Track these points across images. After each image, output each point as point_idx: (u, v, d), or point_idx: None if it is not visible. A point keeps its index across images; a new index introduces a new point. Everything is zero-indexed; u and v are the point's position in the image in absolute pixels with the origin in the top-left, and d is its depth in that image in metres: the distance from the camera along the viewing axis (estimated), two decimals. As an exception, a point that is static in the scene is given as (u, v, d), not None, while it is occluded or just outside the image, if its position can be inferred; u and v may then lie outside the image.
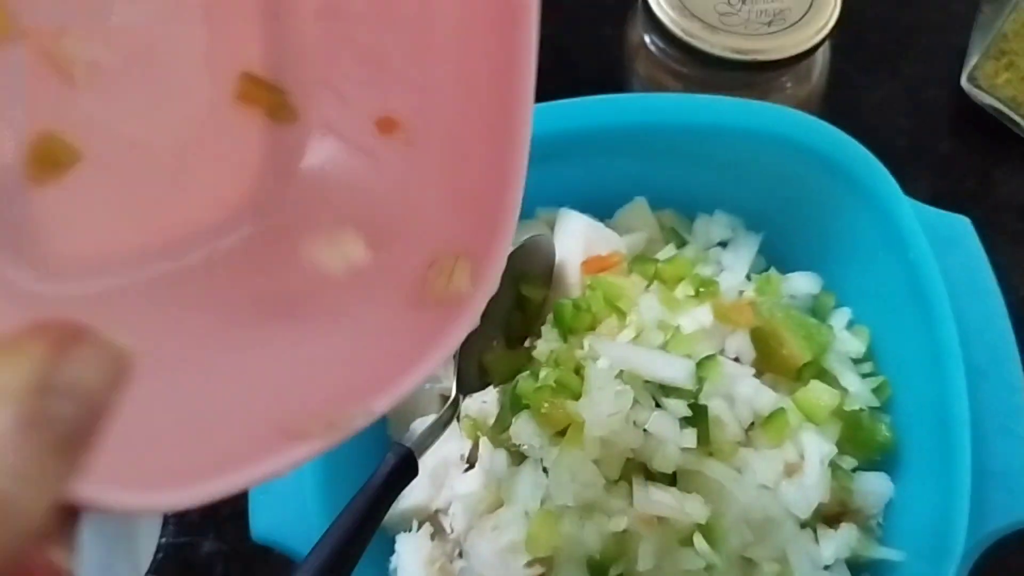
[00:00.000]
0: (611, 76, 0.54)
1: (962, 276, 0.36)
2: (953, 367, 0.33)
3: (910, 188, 0.51)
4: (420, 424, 0.39)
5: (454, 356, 0.37)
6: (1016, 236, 0.49)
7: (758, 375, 0.38)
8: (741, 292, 0.40)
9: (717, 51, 0.44)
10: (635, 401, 0.33)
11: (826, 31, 0.45)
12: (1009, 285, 0.48)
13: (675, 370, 0.34)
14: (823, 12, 0.45)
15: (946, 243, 0.37)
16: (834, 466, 0.36)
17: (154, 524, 0.45)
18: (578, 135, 0.41)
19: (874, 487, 0.36)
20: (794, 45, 0.44)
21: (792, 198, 0.41)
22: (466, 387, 0.38)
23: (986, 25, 0.52)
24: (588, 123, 0.41)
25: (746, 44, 0.44)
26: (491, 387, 0.39)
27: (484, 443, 0.37)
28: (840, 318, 0.40)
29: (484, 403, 0.39)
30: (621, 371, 0.34)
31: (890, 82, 0.54)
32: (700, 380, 0.34)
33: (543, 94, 0.58)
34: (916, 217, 0.37)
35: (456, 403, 0.37)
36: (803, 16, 0.45)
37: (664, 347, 0.35)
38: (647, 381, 0.34)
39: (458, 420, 0.38)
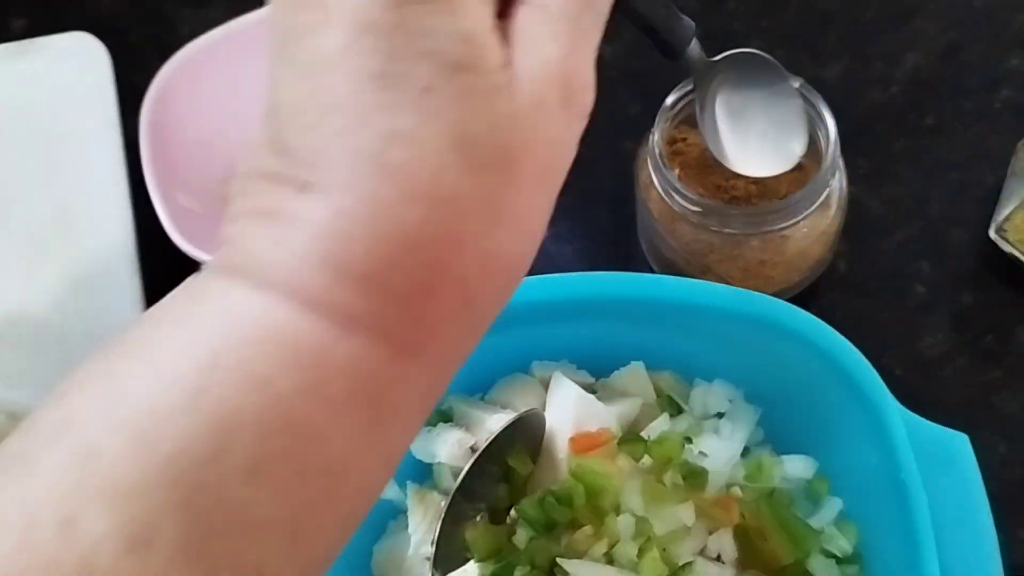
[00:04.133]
0: (629, 195, 0.54)
1: (955, 504, 0.35)
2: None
3: (926, 343, 0.50)
4: (403, 591, 0.40)
5: (432, 541, 0.38)
6: (1033, 400, 0.48)
7: (739, 572, 0.38)
8: (729, 488, 0.39)
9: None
10: (605, 622, 0.34)
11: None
12: None
13: (645, 596, 0.34)
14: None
15: (941, 463, 0.36)
16: None
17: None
18: (578, 304, 0.41)
19: None
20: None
21: (789, 380, 0.40)
22: (446, 563, 0.38)
23: (1021, 172, 0.50)
24: (588, 294, 0.41)
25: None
26: (472, 561, 0.39)
27: (464, 622, 0.38)
28: (831, 508, 0.40)
29: (464, 573, 0.39)
30: (591, 592, 0.34)
31: (915, 221, 0.52)
32: (674, 598, 0.34)
33: (559, 206, 0.57)
34: (912, 431, 0.36)
35: (433, 589, 0.37)
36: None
37: (637, 559, 0.35)
38: (617, 602, 0.34)
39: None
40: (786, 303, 0.39)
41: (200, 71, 0.55)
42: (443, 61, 0.22)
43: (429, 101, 0.22)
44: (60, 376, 0.26)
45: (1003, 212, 0.49)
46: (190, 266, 0.60)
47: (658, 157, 0.46)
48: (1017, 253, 0.49)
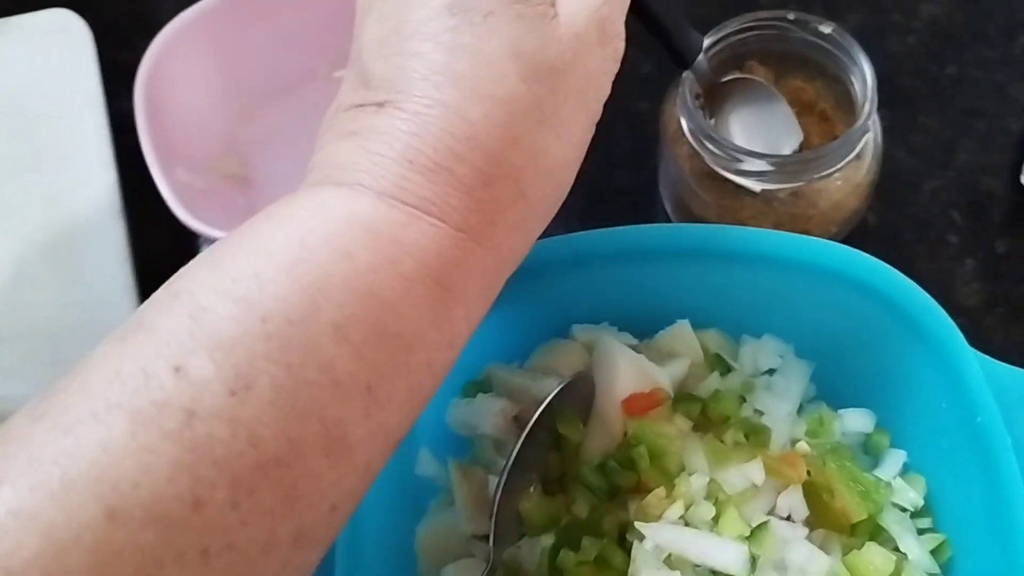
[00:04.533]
0: (647, 156, 0.52)
1: (1033, 445, 0.34)
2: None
3: (963, 293, 0.49)
4: (451, 571, 0.38)
5: (490, 515, 0.36)
6: (1075, 347, 0.47)
7: (810, 529, 0.36)
8: (794, 443, 0.37)
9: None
10: (684, 584, 0.32)
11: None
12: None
13: (728, 557, 0.32)
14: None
15: (1016, 402, 0.34)
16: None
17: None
18: (615, 259, 0.40)
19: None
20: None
21: (845, 331, 0.39)
22: (503, 540, 0.36)
23: (1049, 116, 0.49)
24: (625, 248, 0.39)
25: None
26: (526, 536, 0.37)
27: (520, 600, 0.36)
28: (895, 461, 0.38)
29: (518, 548, 0.37)
30: (669, 554, 0.32)
31: (944, 171, 0.51)
32: (754, 558, 0.32)
33: (579, 175, 0.55)
34: (984, 372, 0.34)
35: (494, 569, 0.35)
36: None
37: (715, 520, 0.33)
38: (697, 565, 0.32)
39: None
40: (836, 244, 0.37)
41: (191, 43, 0.52)
42: None
43: (491, 22, 0.26)
44: (52, 370, 0.26)
45: (1033, 157, 0.49)
46: (185, 250, 0.57)
47: (689, 103, 0.44)
48: (1051, 198, 0.48)
